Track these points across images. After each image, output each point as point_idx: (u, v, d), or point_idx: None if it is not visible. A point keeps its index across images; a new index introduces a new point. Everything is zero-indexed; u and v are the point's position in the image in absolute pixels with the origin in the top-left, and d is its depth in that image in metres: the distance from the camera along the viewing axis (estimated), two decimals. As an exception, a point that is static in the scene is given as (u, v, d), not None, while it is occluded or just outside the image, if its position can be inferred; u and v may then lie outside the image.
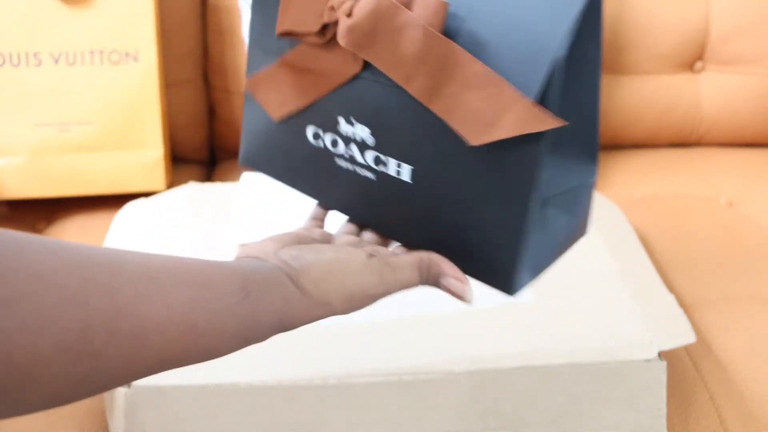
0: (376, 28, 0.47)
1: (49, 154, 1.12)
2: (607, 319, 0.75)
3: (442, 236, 0.51)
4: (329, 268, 0.47)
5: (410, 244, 0.53)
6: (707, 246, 1.04)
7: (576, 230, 0.53)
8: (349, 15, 0.48)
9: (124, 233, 0.95)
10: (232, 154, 1.35)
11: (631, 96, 1.31)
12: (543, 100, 0.43)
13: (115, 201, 1.12)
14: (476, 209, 0.48)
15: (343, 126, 0.53)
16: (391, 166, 0.51)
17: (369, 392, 0.69)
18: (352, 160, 0.53)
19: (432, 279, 0.51)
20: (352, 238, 0.54)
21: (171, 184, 1.20)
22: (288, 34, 0.53)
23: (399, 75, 0.47)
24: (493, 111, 0.44)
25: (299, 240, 0.51)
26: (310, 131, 0.55)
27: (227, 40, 1.27)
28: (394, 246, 0.55)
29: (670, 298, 0.83)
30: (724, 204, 1.19)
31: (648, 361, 0.71)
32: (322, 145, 0.55)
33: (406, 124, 0.49)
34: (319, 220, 0.57)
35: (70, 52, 1.11)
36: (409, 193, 0.51)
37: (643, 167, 1.29)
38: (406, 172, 0.50)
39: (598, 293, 0.79)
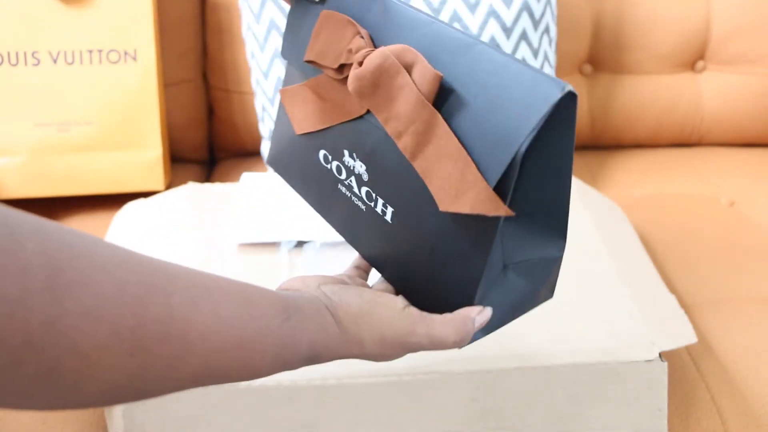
0: (378, 82, 0.51)
1: (48, 154, 1.12)
2: (608, 320, 0.75)
3: (412, 277, 0.55)
4: (367, 308, 0.50)
5: (389, 278, 0.57)
6: (708, 246, 1.04)
7: (538, 296, 0.56)
8: (360, 63, 0.52)
9: (124, 233, 0.95)
10: (232, 153, 1.35)
11: (632, 96, 1.30)
12: (501, 187, 0.46)
13: (114, 201, 1.12)
14: (441, 261, 0.52)
15: (347, 158, 0.57)
16: (379, 204, 0.55)
17: (369, 392, 0.69)
18: (350, 189, 0.58)
19: (469, 331, 0.52)
20: (390, 288, 0.58)
21: (170, 183, 1.20)
22: (313, 63, 0.57)
23: (392, 128, 0.51)
24: (459, 185, 0.47)
25: (341, 282, 0.54)
26: (321, 153, 0.60)
27: (226, 39, 1.27)
28: None
29: (671, 299, 0.83)
30: (725, 204, 1.18)
31: (649, 361, 0.70)
32: (329, 168, 0.60)
33: (395, 172, 0.53)
34: (362, 270, 0.60)
35: (69, 51, 1.11)
36: (389, 231, 0.55)
37: (644, 167, 1.29)
38: (389, 213, 0.55)
39: (599, 293, 0.79)
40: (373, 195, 0.56)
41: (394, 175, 0.54)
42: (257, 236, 0.87)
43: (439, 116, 0.49)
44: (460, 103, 0.49)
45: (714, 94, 1.31)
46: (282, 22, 1.12)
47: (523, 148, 0.45)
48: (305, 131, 0.61)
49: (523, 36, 1.12)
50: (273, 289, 0.50)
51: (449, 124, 0.49)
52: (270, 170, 1.18)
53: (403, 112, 0.50)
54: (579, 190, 0.99)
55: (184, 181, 1.10)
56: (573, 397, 0.70)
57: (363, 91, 0.52)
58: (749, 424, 0.76)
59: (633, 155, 1.32)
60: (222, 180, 1.24)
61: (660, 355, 0.71)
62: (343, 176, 0.58)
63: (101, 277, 0.37)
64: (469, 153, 0.48)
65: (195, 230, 0.91)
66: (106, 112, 1.12)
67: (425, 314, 0.52)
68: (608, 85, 1.31)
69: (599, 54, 1.30)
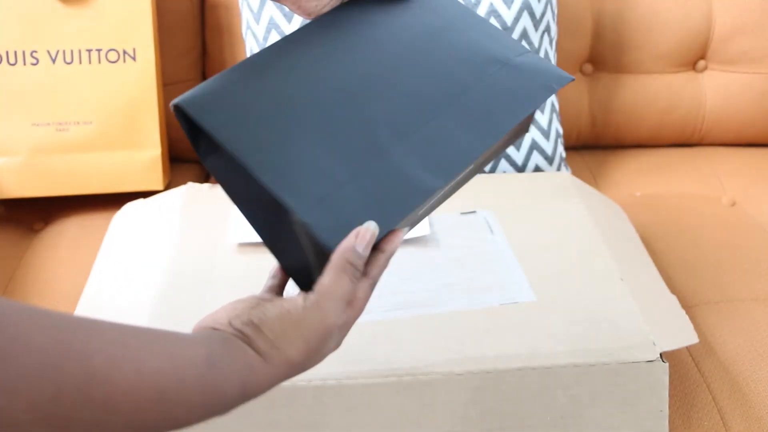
0: None
1: (47, 154, 1.11)
2: (609, 320, 0.75)
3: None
4: (279, 326, 0.50)
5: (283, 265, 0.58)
6: (709, 246, 1.04)
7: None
8: None
9: (123, 234, 0.95)
10: (232, 153, 1.35)
11: (633, 95, 1.30)
12: None
13: (113, 201, 1.12)
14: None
15: None
16: None
17: (369, 393, 0.69)
18: None
19: (356, 267, 0.51)
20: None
21: (169, 183, 1.19)
22: None
23: None
24: None
25: (251, 306, 0.52)
26: None
27: (226, 38, 1.27)
28: None
29: (672, 299, 0.82)
30: (727, 204, 1.18)
31: (650, 362, 0.70)
32: None
33: None
34: (278, 284, 0.58)
35: (68, 50, 1.11)
36: None
37: (646, 167, 1.28)
38: None
39: (600, 294, 0.78)
40: None
41: None
42: (257, 236, 0.87)
43: None
44: None
45: (715, 93, 1.31)
46: (282, 22, 1.12)
47: None
48: None
49: (524, 35, 1.12)
50: (194, 331, 0.50)
51: None
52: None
53: None
54: (579, 190, 0.98)
55: (183, 181, 1.10)
56: (573, 397, 0.70)
57: None
58: (750, 424, 0.76)
59: (634, 155, 1.32)
60: (221, 180, 1.24)
61: (661, 355, 0.71)
62: None
63: (17, 349, 0.36)
64: None
65: (195, 230, 0.90)
66: (105, 112, 1.12)
67: (317, 289, 0.51)
68: (609, 84, 1.31)
69: (600, 53, 1.30)
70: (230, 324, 0.50)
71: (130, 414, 0.41)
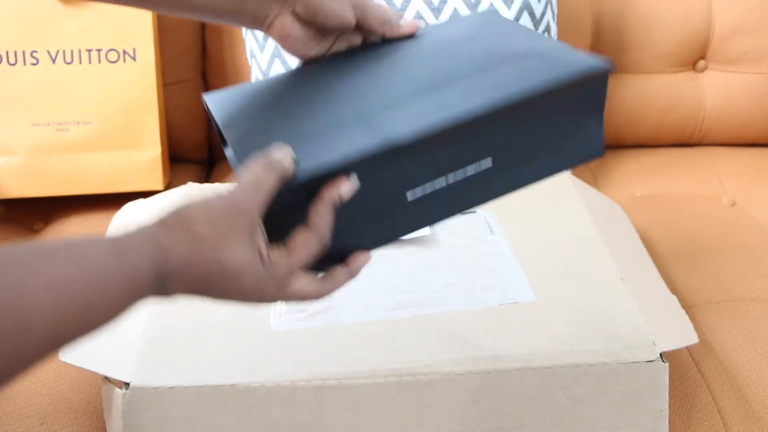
0: None
1: (46, 154, 1.11)
2: (609, 320, 0.75)
3: None
4: (186, 206, 0.50)
5: None
6: (709, 246, 1.04)
7: None
8: None
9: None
10: (232, 153, 1.35)
11: (633, 95, 1.30)
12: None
13: (112, 201, 1.12)
14: None
15: None
16: None
17: (368, 393, 0.69)
18: None
19: (276, 164, 0.52)
20: None
21: (169, 183, 1.19)
22: None
23: None
24: None
25: None
26: None
27: (226, 38, 1.26)
28: None
29: (672, 299, 0.82)
30: (727, 204, 1.18)
31: (650, 362, 0.70)
32: None
33: None
34: None
35: (68, 50, 1.11)
36: None
37: (645, 167, 1.28)
38: None
39: (600, 294, 0.78)
40: None
41: None
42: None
43: None
44: None
45: (715, 93, 1.31)
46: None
47: None
48: None
49: (524, 35, 1.12)
50: None
51: None
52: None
53: None
54: (579, 190, 0.98)
55: (183, 181, 1.10)
56: (574, 397, 0.70)
57: None
58: (750, 424, 0.76)
59: (634, 155, 1.32)
60: (221, 180, 1.24)
61: (661, 355, 0.71)
62: None
63: None
64: None
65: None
66: (105, 112, 1.12)
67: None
68: (609, 84, 1.30)
69: (600, 53, 1.30)
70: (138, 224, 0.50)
71: (50, 331, 0.41)
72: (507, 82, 0.56)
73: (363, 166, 0.53)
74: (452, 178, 0.57)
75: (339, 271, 0.57)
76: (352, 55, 0.66)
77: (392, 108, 0.56)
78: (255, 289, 0.52)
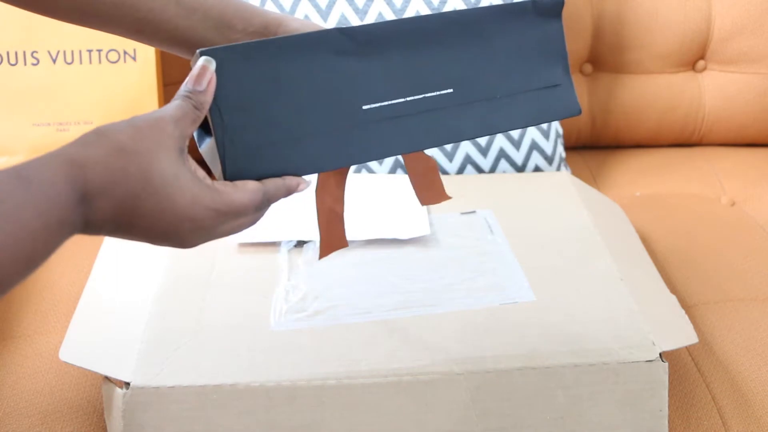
0: None
1: (47, 154, 1.11)
2: (609, 320, 0.75)
3: None
4: (114, 123, 0.49)
5: None
6: (709, 246, 1.04)
7: None
8: None
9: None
10: (232, 153, 1.35)
11: (632, 95, 1.30)
12: None
13: (113, 200, 1.12)
14: None
15: None
16: None
17: (369, 392, 0.69)
18: None
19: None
20: None
21: (170, 183, 1.19)
22: None
23: None
24: None
25: None
26: None
27: (226, 39, 1.26)
28: None
29: (672, 299, 0.82)
30: (726, 204, 1.18)
31: (650, 361, 0.70)
32: None
33: None
34: None
35: (68, 50, 1.11)
36: None
37: (645, 167, 1.28)
38: None
39: (600, 293, 0.78)
40: None
41: None
42: (257, 236, 0.87)
43: None
44: None
45: (715, 93, 1.31)
46: (282, 22, 1.12)
47: None
48: None
49: (524, 35, 1.12)
50: None
51: None
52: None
53: None
54: (579, 190, 0.98)
55: (183, 181, 1.09)
56: (573, 397, 0.70)
57: None
58: (750, 424, 0.76)
59: (633, 155, 1.32)
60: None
61: (661, 355, 0.71)
62: None
63: None
64: None
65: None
66: (105, 112, 1.12)
67: None
68: (609, 84, 1.31)
69: (600, 53, 1.30)
70: None
71: None
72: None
73: (315, 52, 0.55)
74: (411, 97, 0.59)
75: (274, 181, 0.56)
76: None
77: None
78: (188, 209, 0.49)
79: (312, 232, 0.87)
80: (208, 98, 0.53)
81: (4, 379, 0.80)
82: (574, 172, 1.25)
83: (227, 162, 0.55)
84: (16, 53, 1.10)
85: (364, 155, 0.59)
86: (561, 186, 0.99)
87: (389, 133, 0.59)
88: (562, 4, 0.63)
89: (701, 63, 1.31)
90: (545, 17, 0.63)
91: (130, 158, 0.47)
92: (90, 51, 1.11)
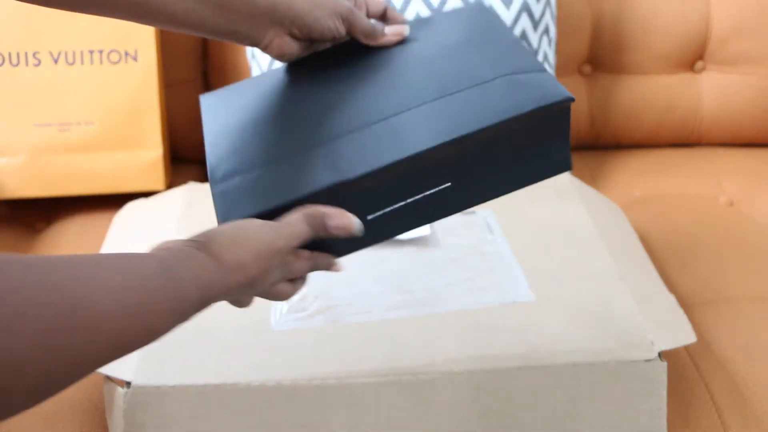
0: None
1: (48, 154, 1.12)
2: (608, 319, 0.75)
3: None
4: (233, 233, 0.54)
5: None
6: (708, 246, 1.04)
7: None
8: None
9: (124, 233, 0.95)
10: (232, 153, 1.35)
11: (631, 96, 1.30)
12: None
13: (114, 201, 1.12)
14: None
15: None
16: None
17: (369, 392, 0.69)
18: None
19: (319, 225, 0.57)
20: None
21: (170, 183, 1.20)
22: None
23: None
24: None
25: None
26: None
27: (227, 39, 1.27)
28: None
29: (671, 298, 0.83)
30: (725, 204, 1.18)
31: (648, 361, 0.71)
32: None
33: None
34: None
35: (70, 51, 1.11)
36: None
37: (644, 167, 1.29)
38: None
39: (599, 293, 0.79)
40: None
41: None
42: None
43: None
44: None
45: (713, 94, 1.31)
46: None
47: None
48: None
49: (523, 36, 1.12)
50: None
51: None
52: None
53: None
54: (579, 190, 0.99)
55: (184, 181, 1.10)
56: (573, 396, 0.70)
57: None
58: (748, 423, 0.77)
59: (632, 155, 1.32)
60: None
61: (659, 354, 0.71)
62: None
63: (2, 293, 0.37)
64: None
65: (195, 229, 0.90)
66: (106, 113, 1.12)
67: (281, 219, 0.56)
68: (608, 85, 1.31)
69: (599, 54, 1.30)
70: (181, 241, 0.52)
71: (112, 333, 0.42)
72: (467, 111, 0.59)
73: (319, 198, 0.58)
74: (411, 200, 0.60)
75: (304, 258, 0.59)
76: (336, 55, 0.70)
77: (353, 133, 0.60)
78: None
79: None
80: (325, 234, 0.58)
81: (6, 379, 0.80)
82: (574, 172, 1.25)
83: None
84: (17, 54, 1.10)
85: (365, 245, 0.61)
86: (560, 186, 0.99)
87: (390, 225, 0.61)
88: (571, 101, 0.59)
89: (700, 64, 1.31)
90: (552, 112, 0.60)
91: (250, 279, 0.53)
92: (91, 52, 1.11)
